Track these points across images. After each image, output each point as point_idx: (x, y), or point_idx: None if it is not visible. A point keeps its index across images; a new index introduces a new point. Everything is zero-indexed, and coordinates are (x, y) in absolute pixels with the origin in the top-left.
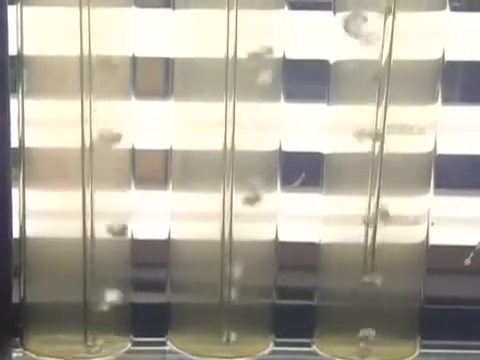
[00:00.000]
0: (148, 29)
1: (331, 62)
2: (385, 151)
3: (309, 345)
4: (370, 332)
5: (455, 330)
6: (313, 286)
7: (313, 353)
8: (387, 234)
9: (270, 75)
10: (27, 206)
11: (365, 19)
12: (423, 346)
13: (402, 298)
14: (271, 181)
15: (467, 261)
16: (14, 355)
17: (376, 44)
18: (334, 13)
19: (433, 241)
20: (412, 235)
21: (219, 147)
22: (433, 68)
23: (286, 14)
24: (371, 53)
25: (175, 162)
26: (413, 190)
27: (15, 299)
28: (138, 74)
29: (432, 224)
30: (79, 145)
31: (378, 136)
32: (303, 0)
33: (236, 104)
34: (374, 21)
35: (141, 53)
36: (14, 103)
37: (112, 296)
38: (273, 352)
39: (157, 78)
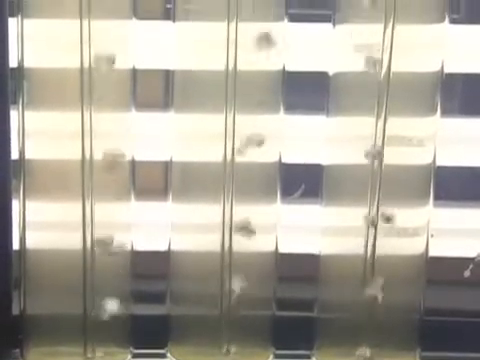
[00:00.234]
0: (148, 41)
1: (330, 74)
2: (384, 163)
3: (309, 357)
4: (366, 351)
5: (455, 342)
6: (313, 298)
7: None
8: (387, 246)
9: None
10: (27, 218)
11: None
12: (423, 358)
13: (402, 310)
14: (271, 193)
15: (466, 273)
16: None
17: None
18: (333, 25)
19: (433, 253)
20: (412, 247)
21: (219, 159)
22: (432, 80)
23: (286, 26)
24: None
25: (175, 174)
26: (412, 202)
27: (15, 311)
28: (138, 86)
29: (431, 236)
30: (79, 157)
31: (377, 148)
32: (303, 12)
33: (236, 116)
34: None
35: (141, 65)
36: (14, 115)
37: (112, 308)
38: None
39: (157, 90)
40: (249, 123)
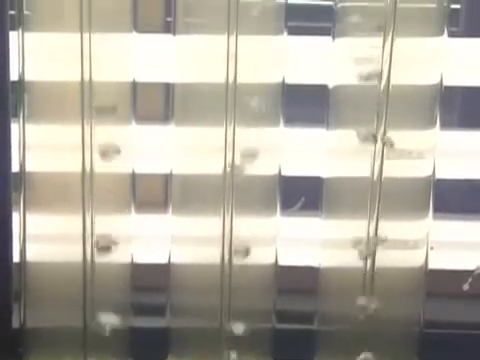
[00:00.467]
0: (149, 54)
1: (330, 87)
2: (384, 175)
3: None
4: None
5: (454, 354)
6: (313, 310)
7: None
8: (386, 258)
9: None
10: (27, 230)
11: None
12: None
13: (401, 322)
14: (271, 205)
15: (465, 286)
16: None
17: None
18: (333, 38)
19: (432, 265)
20: (411, 259)
21: (219, 171)
22: (431, 93)
23: (286, 39)
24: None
25: (175, 186)
26: (412, 214)
27: (15, 324)
28: (138, 99)
29: (431, 248)
30: (79, 170)
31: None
32: (302, 25)
33: (236, 128)
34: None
35: (141, 78)
36: (15, 127)
37: (112, 320)
38: None
39: (157, 103)
40: (249, 136)
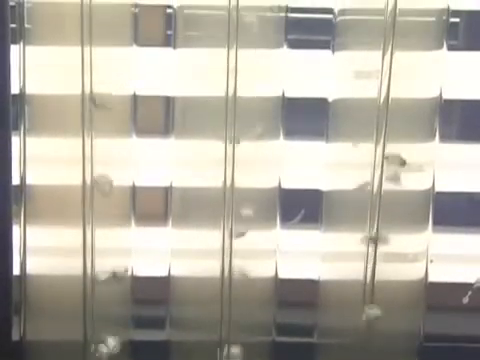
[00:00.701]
0: (149, 68)
1: (330, 100)
2: (383, 187)
3: None
4: None
5: None
6: (313, 323)
7: None
8: (386, 271)
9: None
10: (28, 243)
11: None
12: None
13: (401, 335)
14: (270, 218)
15: (465, 299)
16: None
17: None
18: (333, 52)
19: (432, 278)
20: (411, 272)
21: (219, 184)
22: (431, 106)
23: (286, 53)
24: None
25: (175, 199)
26: (412, 227)
27: (15, 336)
28: (139, 112)
29: (431, 261)
30: (80, 183)
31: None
32: (302, 38)
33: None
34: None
35: (142, 91)
36: (16, 140)
37: (112, 334)
38: None
39: (157, 116)
40: (249, 148)
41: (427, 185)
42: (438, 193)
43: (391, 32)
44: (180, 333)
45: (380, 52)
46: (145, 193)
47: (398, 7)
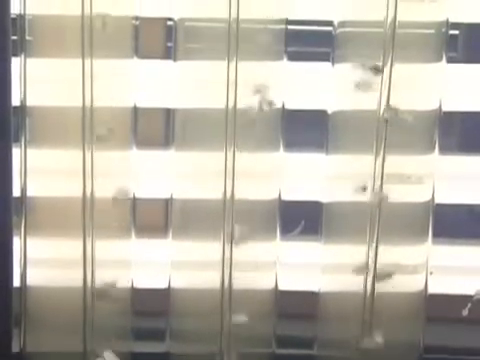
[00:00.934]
0: (150, 80)
1: (329, 112)
2: (383, 200)
3: None
4: None
5: None
6: (313, 335)
7: None
8: (386, 283)
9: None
10: (28, 255)
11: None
12: None
13: (401, 347)
14: (270, 230)
15: (465, 312)
16: None
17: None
18: (332, 64)
19: (432, 290)
20: (411, 284)
21: (219, 196)
22: (430, 118)
23: (285, 65)
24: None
25: (175, 211)
26: (412, 239)
27: (15, 348)
28: (139, 124)
29: (431, 273)
30: (80, 195)
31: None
32: (302, 50)
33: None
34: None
35: (142, 103)
36: (16, 152)
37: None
38: None
39: (158, 128)
40: (249, 160)
41: (427, 197)
42: (438, 205)
43: (391, 44)
44: (180, 345)
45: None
46: (145, 205)
47: (397, 19)
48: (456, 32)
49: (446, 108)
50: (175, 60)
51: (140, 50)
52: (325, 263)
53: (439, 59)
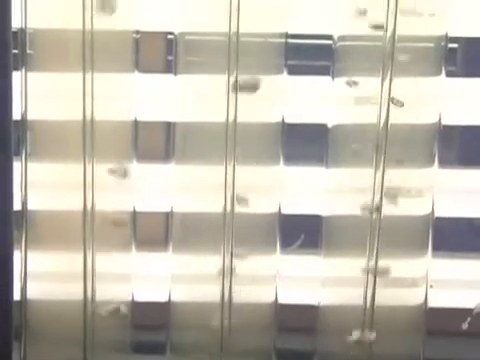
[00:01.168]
0: (150, 94)
1: (329, 126)
2: (383, 213)
3: None
4: None
5: None
6: (313, 349)
7: None
8: (386, 296)
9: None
10: (28, 268)
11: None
12: None
13: None
14: (270, 243)
15: (464, 325)
16: None
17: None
18: (332, 78)
19: (432, 303)
20: (411, 297)
21: (219, 209)
22: (430, 132)
23: (285, 78)
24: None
25: (176, 224)
26: (411, 252)
27: None
28: (139, 138)
29: (431, 287)
30: (81, 208)
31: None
32: (302, 64)
33: (236, 167)
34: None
35: (143, 117)
36: (17, 166)
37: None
38: None
39: (158, 142)
40: (249, 174)
41: (426, 210)
42: (437, 218)
43: (390, 58)
44: (180, 358)
45: (379, 78)
46: (146, 218)
47: (397, 33)
48: (455, 46)
49: (446, 122)
50: (176, 74)
51: (141, 64)
52: (325, 276)
53: (438, 73)
